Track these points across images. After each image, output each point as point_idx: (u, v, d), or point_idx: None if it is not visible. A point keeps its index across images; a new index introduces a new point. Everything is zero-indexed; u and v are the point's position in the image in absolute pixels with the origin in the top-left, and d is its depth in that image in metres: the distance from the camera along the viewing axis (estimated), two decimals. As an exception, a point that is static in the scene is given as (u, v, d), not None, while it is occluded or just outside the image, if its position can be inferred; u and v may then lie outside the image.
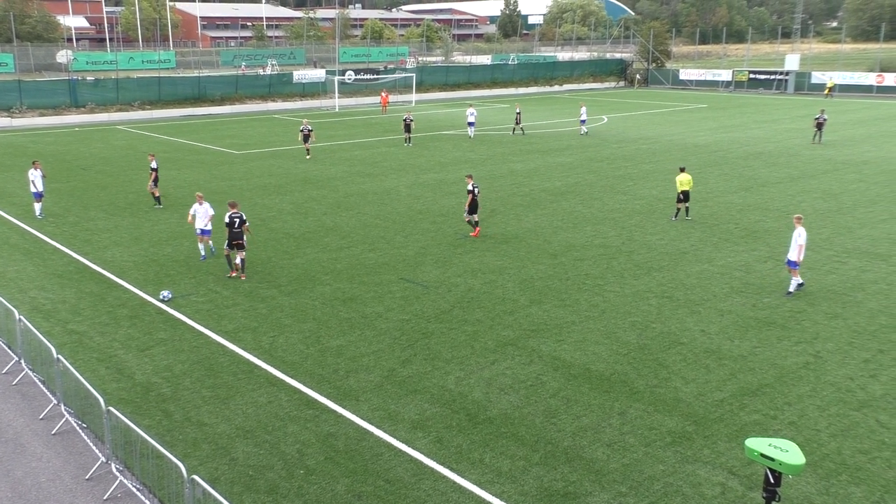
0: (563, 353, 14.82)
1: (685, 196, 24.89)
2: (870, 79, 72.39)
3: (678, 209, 25.20)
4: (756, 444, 8.71)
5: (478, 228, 23.23)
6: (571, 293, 18.19)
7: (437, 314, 16.89)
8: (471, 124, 44.58)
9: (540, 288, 18.60)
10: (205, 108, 60.10)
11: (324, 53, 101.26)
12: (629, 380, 13.71)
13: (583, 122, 46.83)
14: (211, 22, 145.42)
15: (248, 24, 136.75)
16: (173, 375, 13.97)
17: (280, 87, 66.28)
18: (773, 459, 8.54)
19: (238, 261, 19.28)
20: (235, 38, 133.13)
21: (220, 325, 16.33)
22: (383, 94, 61.03)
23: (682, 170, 25.28)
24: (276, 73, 72.44)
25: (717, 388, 13.36)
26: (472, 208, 22.89)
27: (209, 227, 20.69)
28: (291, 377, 13.83)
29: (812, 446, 11.53)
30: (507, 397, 13.05)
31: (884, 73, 72.53)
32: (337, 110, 61.77)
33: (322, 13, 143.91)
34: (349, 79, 68.40)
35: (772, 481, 8.78)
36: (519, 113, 47.04)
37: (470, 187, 22.82)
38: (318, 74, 68.44)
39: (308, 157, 37.50)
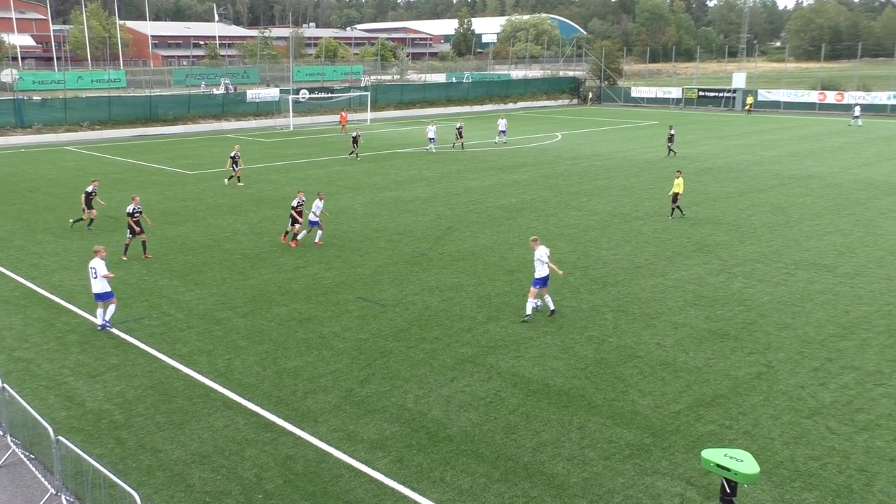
0: (521, 369, 14.89)
1: (674, 197, 27.62)
2: (812, 96, 74.76)
3: (672, 209, 27.88)
4: (712, 454, 8.85)
5: (294, 243, 24.24)
6: (529, 309, 18.29)
7: (395, 333, 16.85)
8: (431, 139, 46.07)
9: (497, 304, 18.69)
10: (157, 128, 59.24)
11: (278, 72, 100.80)
12: (587, 394, 13.83)
13: (502, 132, 49.81)
14: (162, 41, 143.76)
15: (201, 42, 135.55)
16: (126, 401, 13.66)
17: (233, 106, 65.65)
18: (728, 469, 8.69)
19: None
20: (187, 56, 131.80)
21: (173, 348, 16.04)
22: (342, 114, 60.77)
23: (679, 173, 28.01)
24: (230, 91, 71.90)
25: (674, 400, 13.56)
26: (294, 220, 23.99)
27: (109, 288, 16.84)
28: (248, 400, 13.64)
29: (766, 454, 11.76)
30: (467, 414, 13.06)
31: (825, 91, 74.97)
32: (291, 129, 61.46)
33: (276, 32, 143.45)
34: (303, 97, 68.12)
35: (728, 491, 8.93)
36: (460, 128, 48.25)
37: (295, 203, 23.97)
38: (271, 93, 68.07)
39: (239, 184, 35.10)
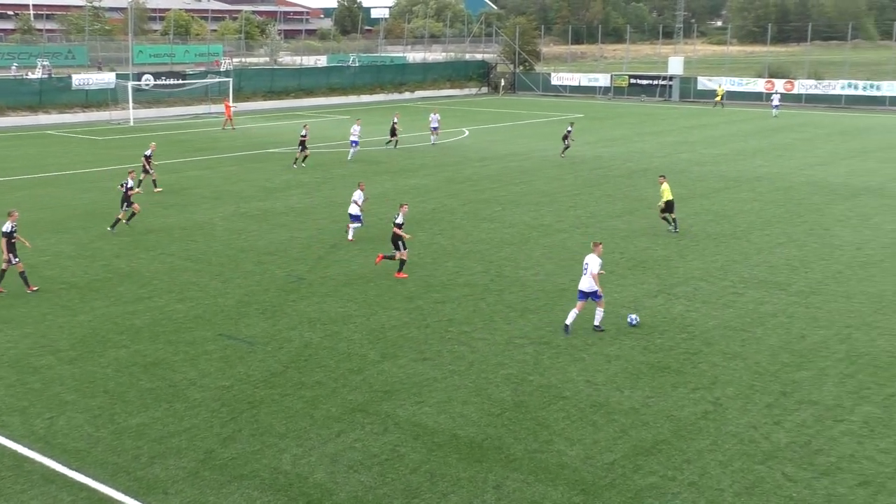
0: (424, 418, 14.92)
1: (668, 206, 28.13)
2: (759, 85, 78.67)
3: (667, 219, 28.38)
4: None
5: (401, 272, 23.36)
6: (432, 343, 18.40)
7: (267, 378, 16.60)
8: (354, 143, 43.54)
9: (393, 339, 18.70)
10: (-49, 123, 56.83)
11: (113, 52, 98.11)
12: (505, 445, 13.97)
13: (434, 128, 49.57)
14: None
15: (10, 13, 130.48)
16: None
17: (55, 94, 63.95)
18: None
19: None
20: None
21: (-25, 406, 15.28)
22: (227, 104, 59.95)
23: (663, 178, 28.73)
24: (50, 76, 69.67)
25: (607, 449, 13.87)
26: (397, 243, 23.11)
27: None
28: (76, 470, 13.12)
29: (715, 510, 12.19)
30: (358, 476, 12.97)
31: (773, 80, 79.00)
32: (132, 124, 60.08)
33: (109, 1, 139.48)
34: (146, 85, 66.99)
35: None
36: (396, 122, 48.20)
37: (400, 219, 23.05)
38: (105, 79, 66.51)
39: (157, 189, 34.89)
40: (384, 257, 23.52)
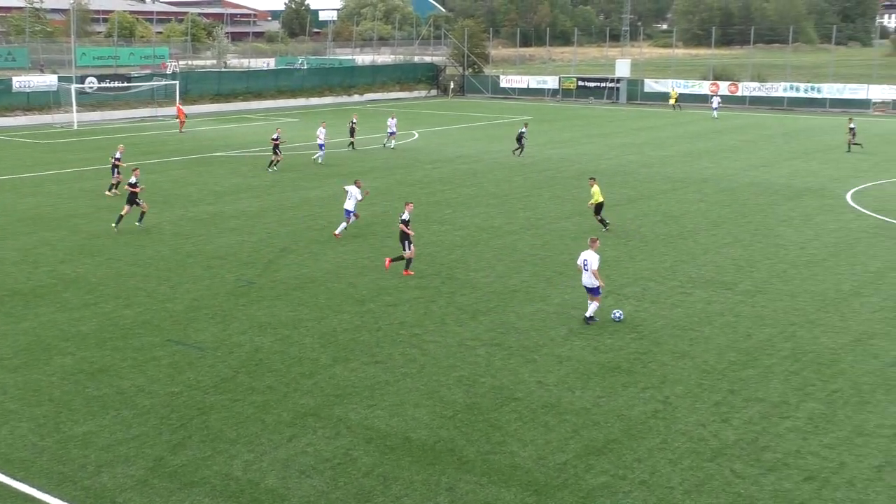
0: (376, 421, 14.89)
1: (597, 209, 28.73)
2: (704, 87, 79.98)
3: (603, 221, 28.88)
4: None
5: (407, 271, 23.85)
6: (384, 347, 18.38)
7: (217, 383, 16.46)
8: (321, 146, 43.16)
9: (345, 342, 18.65)
10: None
11: (55, 54, 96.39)
12: (457, 447, 14.01)
13: (392, 133, 49.25)
14: None
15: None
16: None
17: (-6, 96, 62.82)
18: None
19: None
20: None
21: (-85, 417, 14.92)
22: (179, 108, 59.69)
23: (593, 181, 29.05)
24: None
25: (559, 449, 13.97)
26: (404, 241, 23.63)
27: None
28: (20, 480, 12.87)
29: (665, 507, 12.35)
30: (310, 481, 12.91)
31: (718, 82, 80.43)
32: (75, 128, 59.13)
33: (51, 2, 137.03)
34: (90, 87, 66.12)
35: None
36: (354, 123, 48.27)
37: (406, 216, 23.48)
38: (47, 81, 65.48)
39: (115, 192, 34.54)
40: (392, 260, 23.84)
